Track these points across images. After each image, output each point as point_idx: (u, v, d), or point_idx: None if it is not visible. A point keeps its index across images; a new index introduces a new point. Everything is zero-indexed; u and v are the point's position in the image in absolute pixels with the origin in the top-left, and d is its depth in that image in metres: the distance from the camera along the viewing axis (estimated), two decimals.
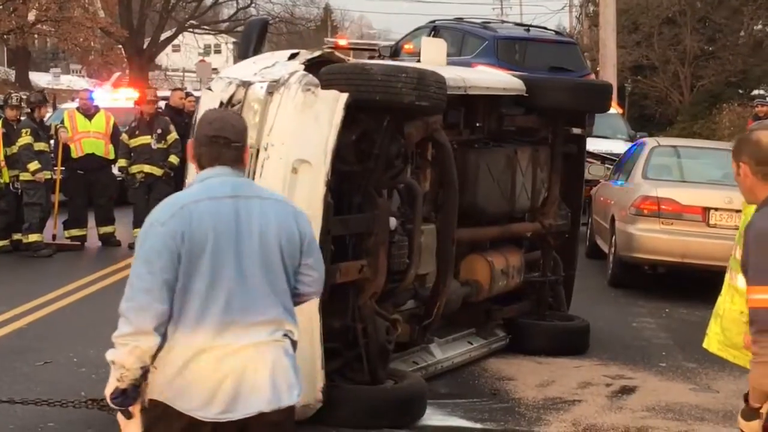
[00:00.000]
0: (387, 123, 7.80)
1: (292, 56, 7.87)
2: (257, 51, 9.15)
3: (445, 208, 8.78)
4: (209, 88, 7.89)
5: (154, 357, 4.31)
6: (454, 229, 8.76)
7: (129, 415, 4.46)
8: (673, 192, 12.95)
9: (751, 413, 4.73)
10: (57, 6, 36.64)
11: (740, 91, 30.40)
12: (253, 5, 49.74)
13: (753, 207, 5.73)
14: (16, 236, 14.96)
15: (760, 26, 30.63)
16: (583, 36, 36.72)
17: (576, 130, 10.60)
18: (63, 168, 15.68)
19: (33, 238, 14.68)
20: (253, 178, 7.06)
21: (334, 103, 7.29)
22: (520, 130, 10.16)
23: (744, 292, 5.66)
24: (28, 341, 9.75)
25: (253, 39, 9.50)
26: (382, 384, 7.80)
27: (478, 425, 7.98)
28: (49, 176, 15.10)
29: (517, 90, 9.86)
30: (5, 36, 37.33)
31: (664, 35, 30.40)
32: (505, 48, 16.97)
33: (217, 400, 4.30)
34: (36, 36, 41.71)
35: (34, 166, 14.64)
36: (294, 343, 4.51)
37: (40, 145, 14.90)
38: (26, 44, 39.72)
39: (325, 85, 7.47)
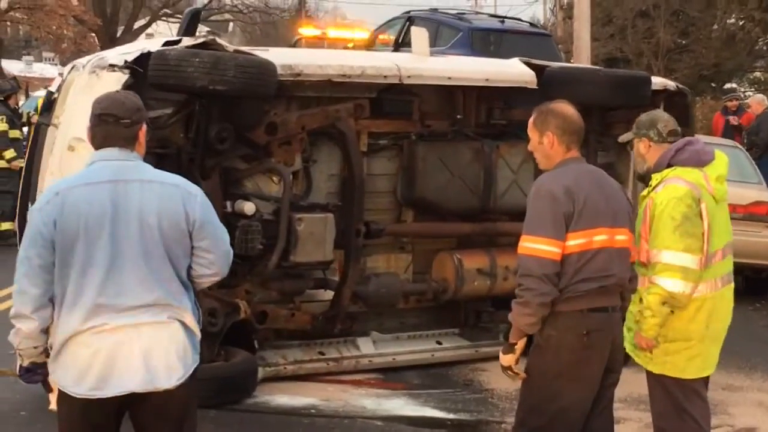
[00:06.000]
0: (198, 107, 7.80)
1: (169, 42, 7.87)
2: None
3: (348, 198, 8.74)
4: (60, 74, 8.15)
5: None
6: (359, 219, 8.72)
7: (48, 389, 4.61)
8: None
9: (508, 348, 5.39)
10: None
11: (713, 85, 30.49)
12: None
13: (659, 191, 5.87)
14: None
15: (733, 20, 30.67)
16: (557, 28, 36.71)
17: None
18: None
19: (5, 226, 14.61)
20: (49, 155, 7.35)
21: (114, 85, 7.26)
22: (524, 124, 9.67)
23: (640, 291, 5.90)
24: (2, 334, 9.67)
25: (182, 28, 9.49)
26: (208, 364, 7.74)
27: (452, 416, 8.02)
28: (23, 164, 15.02)
29: (515, 82, 9.24)
30: None
31: (638, 28, 30.40)
32: (480, 39, 16.95)
33: (89, 376, 4.34)
34: (8, 24, 41.32)
35: (9, 153, 14.59)
36: (186, 327, 4.49)
37: (14, 133, 14.84)
38: None
39: (150, 71, 7.50)
